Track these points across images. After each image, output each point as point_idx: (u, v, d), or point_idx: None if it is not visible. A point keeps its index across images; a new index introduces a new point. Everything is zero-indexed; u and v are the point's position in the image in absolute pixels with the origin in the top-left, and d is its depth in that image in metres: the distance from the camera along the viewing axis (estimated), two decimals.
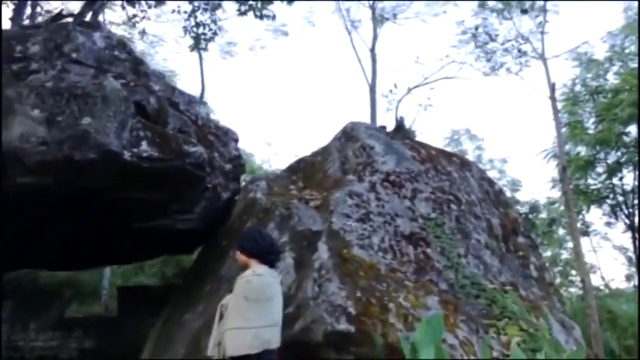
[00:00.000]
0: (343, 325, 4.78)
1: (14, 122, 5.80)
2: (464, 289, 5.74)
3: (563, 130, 14.96)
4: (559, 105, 15.18)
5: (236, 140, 8.67)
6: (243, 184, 8.45)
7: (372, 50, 18.80)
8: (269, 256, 4.07)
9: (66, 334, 10.09)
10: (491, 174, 16.38)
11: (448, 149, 12.79)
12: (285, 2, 14.57)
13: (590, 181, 15.78)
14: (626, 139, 14.18)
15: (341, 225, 5.72)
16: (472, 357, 4.86)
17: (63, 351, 10.15)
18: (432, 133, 43.18)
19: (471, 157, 21.74)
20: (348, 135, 7.40)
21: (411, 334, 4.70)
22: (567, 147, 15.45)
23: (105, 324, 10.68)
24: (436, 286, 5.63)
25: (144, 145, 6.21)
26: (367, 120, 16.31)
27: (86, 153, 5.89)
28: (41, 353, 9.98)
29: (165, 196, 6.83)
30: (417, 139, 8.73)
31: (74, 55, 6.43)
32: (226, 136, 8.45)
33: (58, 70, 6.19)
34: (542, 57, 15.34)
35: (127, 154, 6.08)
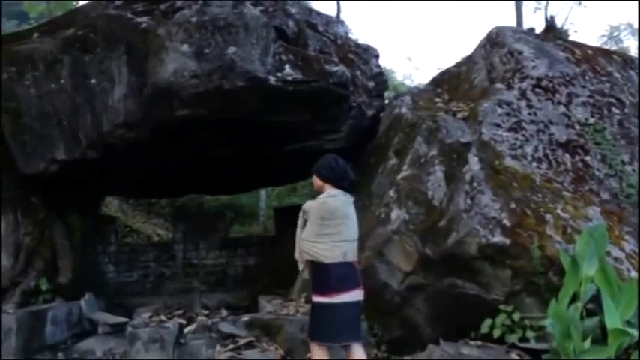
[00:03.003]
0: (498, 238, 4.72)
1: (167, 59, 6.14)
2: (629, 198, 5.38)
3: None
4: None
5: (377, 57, 8.55)
6: (386, 101, 8.38)
7: None
8: (342, 182, 4.26)
9: (231, 253, 10.92)
10: None
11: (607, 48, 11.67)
12: None
13: None
14: None
15: (491, 135, 5.53)
16: None
17: (229, 267, 11.03)
18: (587, 32, 39.50)
19: (634, 54, 19.71)
20: (494, 41, 7.00)
21: (571, 247, 4.53)
22: None
23: (265, 242, 11.39)
24: (597, 196, 5.32)
25: (287, 69, 6.32)
26: (513, 24, 15.25)
27: (234, 81, 6.13)
28: (211, 269, 10.92)
29: (311, 118, 6.97)
30: (571, 39, 8.05)
31: None
32: (367, 54, 8.37)
33: (200, 5, 6.41)
34: None
35: (272, 79, 6.23)
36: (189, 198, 13.20)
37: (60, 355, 6.52)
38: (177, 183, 9.59)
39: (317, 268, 4.08)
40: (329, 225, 4.07)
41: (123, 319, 7.12)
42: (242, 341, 5.47)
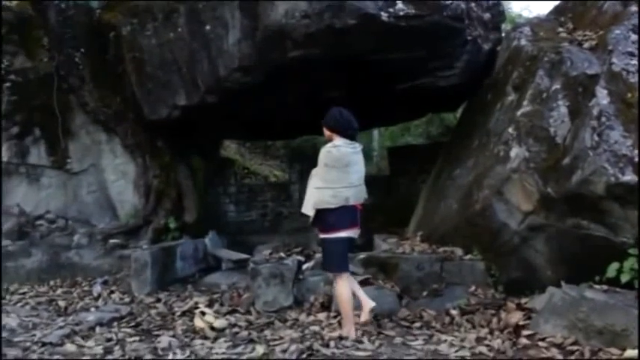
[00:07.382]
0: (629, 177, 4.39)
1: (278, 1, 6.14)
2: None
3: None
4: None
5: None
6: (503, 34, 7.93)
7: None
8: (348, 132, 4.75)
9: None
10: None
11: None
12: None
13: None
14: None
15: (623, 66, 5.05)
16: None
17: None
18: None
19: None
20: None
21: None
22: None
23: (379, 182, 11.36)
24: None
25: (400, 4, 6.11)
26: None
27: (345, 19, 6.03)
28: None
29: (424, 54, 6.74)
30: None
31: None
32: None
33: None
34: None
35: (384, 16, 6.06)
36: (304, 139, 13.39)
37: (189, 287, 7.00)
38: (292, 125, 9.74)
39: (321, 210, 4.58)
40: (331, 172, 4.58)
41: (244, 256, 7.48)
42: (359, 278, 5.56)
